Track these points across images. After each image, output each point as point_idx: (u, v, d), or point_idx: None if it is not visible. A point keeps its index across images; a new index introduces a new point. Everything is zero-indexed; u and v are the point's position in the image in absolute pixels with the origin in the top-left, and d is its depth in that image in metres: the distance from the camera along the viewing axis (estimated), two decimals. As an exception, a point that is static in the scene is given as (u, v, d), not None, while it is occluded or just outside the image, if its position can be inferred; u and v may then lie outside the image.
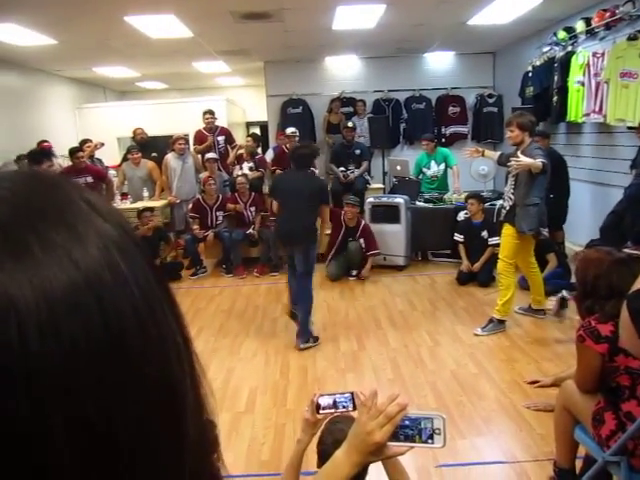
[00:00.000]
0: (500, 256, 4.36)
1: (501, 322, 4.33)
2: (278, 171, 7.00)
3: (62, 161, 7.95)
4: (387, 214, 6.30)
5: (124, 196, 7.41)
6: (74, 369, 0.28)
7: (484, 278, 5.53)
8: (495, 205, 5.82)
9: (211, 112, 7.87)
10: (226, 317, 5.14)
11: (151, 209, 6.46)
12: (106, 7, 5.41)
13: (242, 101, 12.49)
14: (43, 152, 5.20)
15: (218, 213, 6.73)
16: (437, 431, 1.25)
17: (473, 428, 2.99)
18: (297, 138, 7.10)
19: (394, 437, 1.06)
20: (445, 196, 6.60)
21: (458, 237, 5.85)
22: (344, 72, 9.24)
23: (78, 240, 0.31)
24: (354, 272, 6.12)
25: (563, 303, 3.72)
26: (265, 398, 3.50)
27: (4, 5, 5.18)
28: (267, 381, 3.74)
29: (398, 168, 7.21)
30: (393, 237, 6.26)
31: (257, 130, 12.98)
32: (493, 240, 5.35)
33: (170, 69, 9.81)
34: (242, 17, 6.12)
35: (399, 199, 6.27)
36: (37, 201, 0.32)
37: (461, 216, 6.15)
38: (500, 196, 6.44)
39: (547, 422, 2.85)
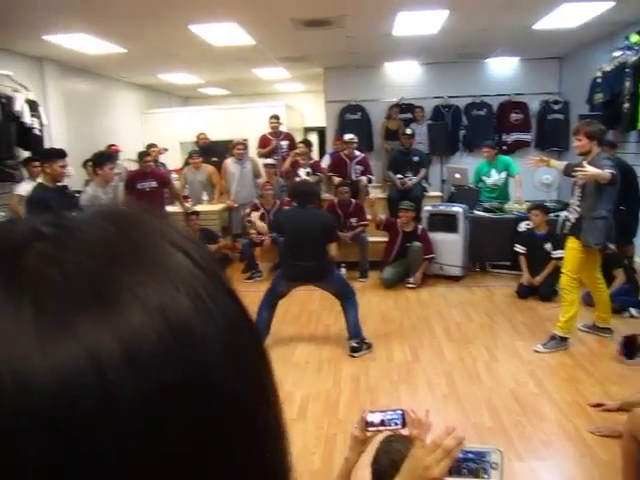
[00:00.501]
0: (564, 270, 4.18)
1: (564, 339, 4.15)
2: (335, 177, 7.00)
3: (128, 164, 8.28)
4: (444, 223, 6.18)
5: (185, 198, 7.62)
6: (158, 416, 0.27)
7: (546, 292, 5.32)
8: (559, 216, 5.59)
9: (277, 117, 8.00)
10: (280, 322, 5.14)
11: (197, 212, 6.63)
12: (172, 17, 5.59)
13: (301, 107, 12.60)
14: (105, 155, 5.41)
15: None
16: (494, 465, 1.20)
17: (532, 451, 2.87)
18: (355, 144, 7.08)
19: (456, 472, 1.02)
20: (506, 206, 6.41)
21: (519, 248, 5.66)
22: (403, 78, 9.17)
23: (167, 287, 0.29)
24: (411, 280, 6.04)
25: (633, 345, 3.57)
26: (317, 406, 3.49)
27: (79, 17, 5.44)
28: (319, 389, 3.73)
29: (457, 176, 7.07)
30: (450, 247, 6.13)
31: (315, 136, 13.10)
32: (557, 253, 5.14)
33: (231, 75, 10.03)
34: (303, 24, 6.18)
35: (457, 208, 6.14)
36: (122, 243, 0.30)
37: (522, 227, 5.95)
38: (565, 207, 6.19)
39: (612, 449, 2.71)
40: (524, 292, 5.46)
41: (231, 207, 7.45)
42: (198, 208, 7.14)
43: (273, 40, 7.07)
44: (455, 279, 6.17)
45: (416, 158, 7.11)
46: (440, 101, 8.94)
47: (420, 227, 6.13)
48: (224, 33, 6.42)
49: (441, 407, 3.39)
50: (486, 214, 6.36)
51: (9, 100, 6.34)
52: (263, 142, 7.97)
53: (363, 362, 4.12)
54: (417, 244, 5.99)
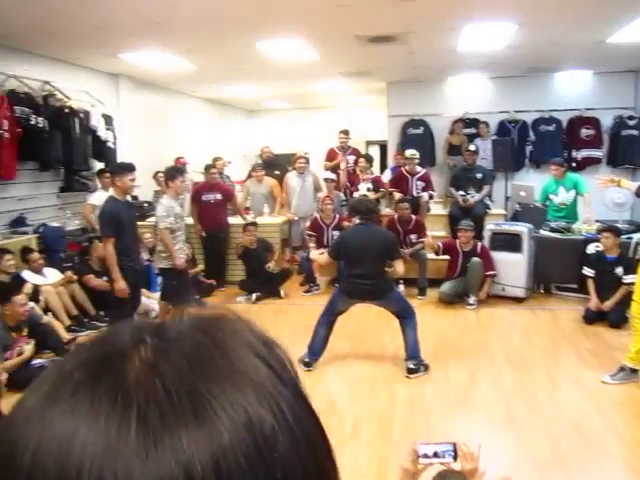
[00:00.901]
0: (634, 298, 3.96)
1: (634, 371, 3.91)
2: (395, 193, 6.96)
3: (194, 176, 8.56)
4: (508, 242, 6.01)
5: (246, 210, 7.80)
6: None
7: (616, 318, 5.05)
8: (632, 239, 5.33)
9: (346, 132, 8.04)
10: (336, 337, 5.13)
11: (255, 224, 6.73)
12: (240, 35, 5.77)
13: (363, 120, 12.62)
14: (176, 169, 5.61)
15: (334, 232, 6.81)
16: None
17: (596, 489, 2.73)
18: (417, 160, 7.02)
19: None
20: (574, 226, 6.15)
21: (588, 271, 5.42)
22: (468, 92, 9.02)
23: (254, 405, 0.32)
24: (471, 300, 5.90)
25: None
26: (370, 426, 3.46)
27: (152, 37, 5.71)
28: (373, 408, 3.69)
29: (522, 194, 6.86)
30: (513, 267, 5.94)
31: (376, 149, 13.08)
32: (628, 278, 4.87)
33: (295, 89, 10.20)
34: (368, 40, 6.21)
35: (522, 227, 5.96)
36: (216, 358, 0.34)
37: (591, 249, 5.68)
38: (638, 228, 5.90)
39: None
40: (591, 317, 5.21)
41: (291, 220, 7.55)
42: (259, 220, 7.27)
43: (337, 55, 7.15)
44: (517, 300, 5.98)
45: (479, 175, 6.96)
46: (506, 116, 8.72)
47: (480, 245, 5.99)
48: (289, 49, 6.55)
49: (498, 435, 3.29)
50: (553, 234, 6.13)
51: (87, 115, 6.72)
52: (330, 155, 8.02)
53: (419, 383, 4.05)
54: (477, 260, 5.86)
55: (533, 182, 7.44)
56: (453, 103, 9.01)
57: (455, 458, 1.67)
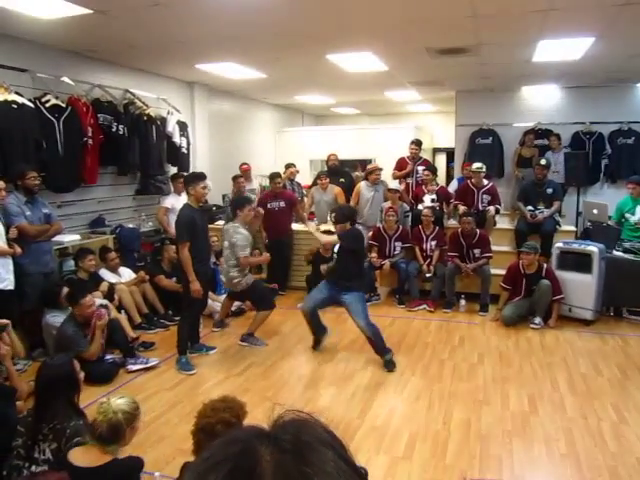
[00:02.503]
0: None
1: None
2: (460, 206, 6.86)
3: (261, 180, 8.78)
4: (577, 262, 5.80)
5: (311, 215, 7.93)
6: None
7: (692, 349, 4.79)
8: None
9: (417, 142, 7.96)
10: (395, 351, 5.15)
11: (330, 231, 6.77)
12: (311, 48, 5.88)
13: (430, 127, 12.51)
14: (244, 198, 5.77)
15: (396, 243, 6.82)
16: None
17: (659, 536, 2.62)
18: (483, 173, 6.89)
19: None
20: (650, 247, 5.86)
21: (662, 297, 5.16)
22: (541, 102, 8.76)
23: None
24: (536, 320, 5.74)
25: None
26: (424, 447, 3.46)
27: (228, 49, 5.93)
28: (428, 428, 3.69)
29: (594, 212, 6.60)
30: (582, 287, 5.74)
31: (443, 157, 12.92)
32: None
33: (363, 97, 10.24)
34: (438, 52, 6.17)
35: (593, 247, 5.73)
36: (314, 472, 0.44)
37: (668, 273, 5.41)
38: None
39: None
40: (665, 347, 4.97)
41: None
42: (323, 228, 7.36)
43: (406, 66, 7.15)
44: (585, 323, 5.76)
45: (549, 190, 6.74)
46: (581, 127, 8.41)
47: (545, 267, 5.80)
48: (359, 61, 6.61)
49: (557, 468, 3.21)
50: (627, 255, 5.87)
51: (163, 121, 7.06)
52: (400, 165, 7.96)
53: (476, 406, 4.00)
54: (546, 282, 5.69)
55: (608, 197, 7.17)
56: (525, 113, 8.77)
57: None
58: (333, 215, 5.23)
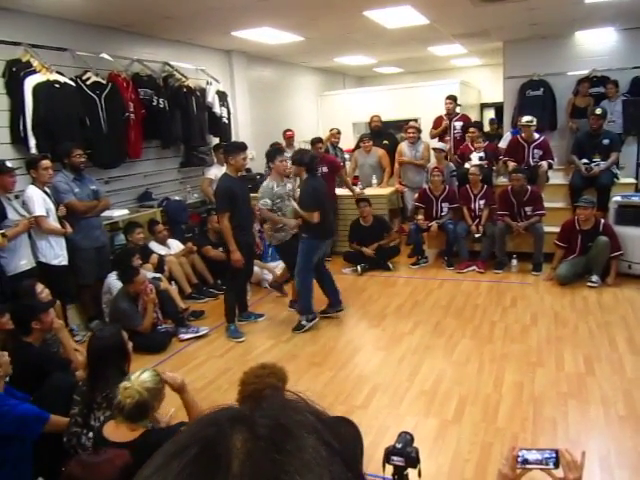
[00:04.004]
0: None
1: None
2: (510, 163, 6.59)
3: (303, 146, 8.69)
4: (637, 216, 5.48)
5: (355, 179, 7.83)
6: None
7: None
8: None
9: (453, 97, 7.76)
10: (443, 314, 5.09)
11: (368, 200, 6.67)
12: (347, 5, 5.68)
13: (477, 82, 12.01)
14: (274, 150, 5.66)
15: (444, 204, 6.64)
16: None
17: None
18: (534, 127, 6.56)
19: None
20: None
21: None
22: (596, 47, 8.19)
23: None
24: (594, 278, 5.49)
25: None
26: (474, 410, 3.40)
27: (262, 14, 5.81)
28: (478, 392, 3.62)
29: (657, 161, 6.19)
30: (643, 243, 5.44)
31: (492, 112, 12.41)
32: None
33: (405, 55, 9.90)
34: (482, 0, 5.84)
35: (654, 199, 5.40)
36: (291, 451, 0.41)
37: None
38: None
39: None
40: None
41: (401, 191, 7.50)
42: (367, 191, 7.26)
43: (448, 18, 6.82)
44: (646, 280, 5.49)
45: (606, 141, 6.35)
46: (640, 72, 7.83)
47: (602, 222, 5.51)
48: (398, 16, 6.35)
49: (615, 430, 3.08)
50: (692, 206, 5.50)
51: (202, 92, 7.05)
52: (437, 123, 7.81)
53: (529, 368, 3.89)
54: (604, 238, 5.41)
55: (671, 147, 6.69)
56: (579, 60, 8.23)
57: (557, 465, 1.60)
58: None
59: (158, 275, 5.33)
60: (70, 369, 3.35)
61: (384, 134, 8.15)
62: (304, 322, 4.89)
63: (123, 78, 5.88)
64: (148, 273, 5.13)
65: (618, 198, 5.73)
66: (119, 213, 5.72)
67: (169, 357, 4.54)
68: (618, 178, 6.36)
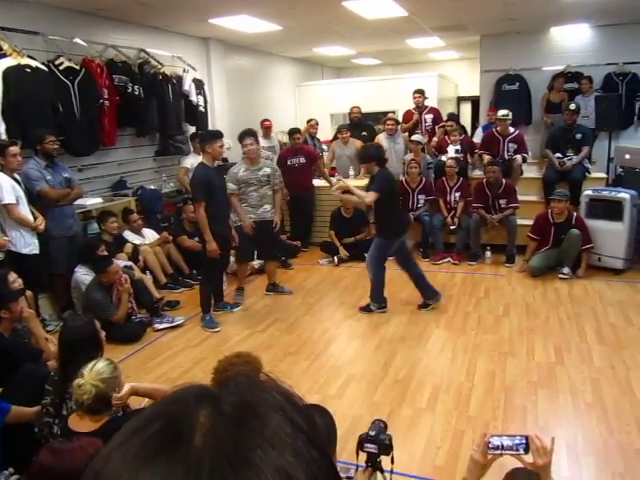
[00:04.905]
0: None
1: None
2: (485, 156, 6.66)
3: (281, 137, 8.66)
4: (607, 210, 5.61)
5: (333, 170, 7.83)
6: None
7: None
8: None
9: (420, 91, 7.79)
10: (417, 304, 5.14)
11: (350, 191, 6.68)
12: (326, -5, 5.65)
13: (455, 75, 12.09)
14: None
15: (420, 196, 6.70)
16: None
17: (686, 484, 2.58)
18: (509, 121, 6.64)
19: None
20: (686, 192, 5.61)
21: (697, 243, 4.97)
22: (571, 43, 8.31)
23: (293, 466, 0.40)
24: (565, 270, 5.60)
25: None
26: (447, 398, 3.46)
27: (239, 1, 5.74)
28: (451, 381, 3.68)
29: (627, 157, 6.33)
30: (612, 236, 5.56)
31: (468, 106, 12.53)
32: None
33: (384, 46, 9.91)
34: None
35: (624, 194, 5.52)
36: (255, 428, 0.41)
37: None
38: None
39: None
40: (699, 294, 4.81)
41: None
42: (346, 183, 7.26)
43: (427, 11, 6.83)
44: (615, 272, 5.61)
45: (579, 135, 6.46)
46: (613, 68, 7.98)
47: (574, 215, 5.63)
48: (377, 6, 6.34)
49: (583, 418, 3.17)
50: (660, 201, 5.64)
51: (179, 80, 6.96)
52: (406, 117, 7.84)
53: (500, 357, 3.97)
54: (575, 231, 5.53)
55: (641, 142, 6.85)
56: (553, 56, 8.34)
57: (527, 451, 1.64)
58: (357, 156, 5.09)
59: (130, 264, 5.26)
60: (41, 359, 3.30)
61: (363, 125, 8.16)
62: (372, 307, 4.98)
63: (97, 64, 5.77)
64: (122, 263, 5.08)
65: (589, 192, 5.85)
66: (92, 202, 5.63)
67: (143, 347, 4.50)
68: (590, 173, 6.49)
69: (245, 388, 0.46)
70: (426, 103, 7.94)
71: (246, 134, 5.12)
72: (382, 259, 4.86)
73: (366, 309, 5.00)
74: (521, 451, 1.63)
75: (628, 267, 5.67)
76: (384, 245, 4.81)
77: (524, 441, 1.63)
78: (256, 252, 5.89)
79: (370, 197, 4.69)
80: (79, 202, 5.24)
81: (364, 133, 7.92)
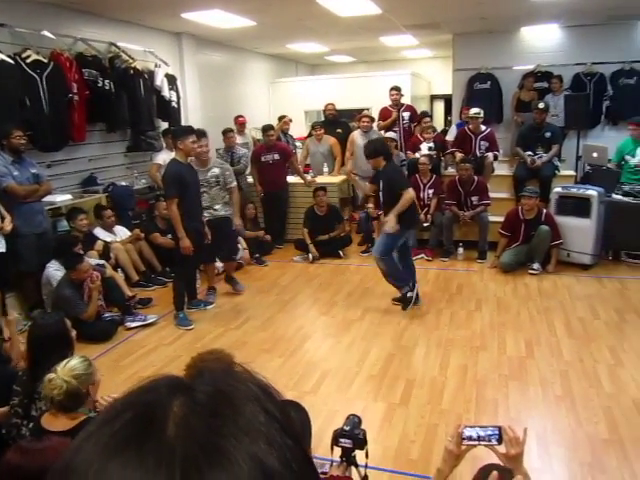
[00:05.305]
0: None
1: None
2: (457, 153, 6.74)
3: (254, 133, 8.62)
4: (576, 207, 5.73)
5: (306, 167, 7.83)
6: None
7: (690, 290, 4.78)
8: None
9: (397, 88, 7.80)
10: (391, 300, 5.17)
11: (324, 189, 6.70)
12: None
13: (428, 73, 12.18)
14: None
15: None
16: None
17: (651, 472, 2.66)
18: (481, 119, 6.72)
19: None
20: (650, 189, 5.77)
21: (662, 239, 5.12)
22: (541, 43, 8.46)
23: (266, 453, 0.40)
24: (535, 265, 5.71)
25: None
26: (421, 392, 3.49)
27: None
28: (425, 375, 3.71)
29: (594, 155, 6.47)
30: (580, 232, 5.68)
31: (441, 104, 12.65)
32: None
33: (358, 44, 9.92)
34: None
35: (592, 191, 5.65)
36: (228, 416, 0.41)
37: (668, 215, 5.36)
38: None
39: None
40: (663, 288, 4.95)
41: (353, 179, 7.53)
42: (318, 180, 7.28)
43: (400, 8, 6.87)
44: (583, 267, 5.74)
45: (548, 134, 6.58)
46: (582, 68, 8.15)
47: (544, 212, 5.74)
48: (351, 4, 6.36)
49: (552, 409, 3.24)
50: (626, 199, 5.78)
51: (151, 75, 6.86)
52: (383, 114, 7.84)
53: (472, 352, 4.03)
54: (545, 227, 5.63)
55: (609, 140, 7.00)
56: (524, 55, 8.48)
57: (500, 442, 1.66)
58: (364, 151, 4.97)
59: (102, 262, 5.18)
60: (11, 362, 3.22)
61: (338, 123, 8.16)
62: (407, 293, 4.82)
63: (66, 57, 5.64)
64: (92, 260, 4.99)
65: (559, 189, 5.96)
66: (62, 198, 5.51)
67: (115, 346, 4.43)
68: (559, 170, 6.62)
69: (219, 378, 0.45)
70: (402, 100, 7.96)
71: (203, 135, 5.05)
72: (391, 250, 4.75)
73: (402, 299, 4.84)
74: (494, 442, 1.66)
75: (595, 262, 5.81)
76: (396, 236, 4.69)
77: (497, 432, 1.66)
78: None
79: (410, 193, 4.68)
80: (48, 199, 5.13)
81: (339, 130, 7.94)
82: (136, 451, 0.37)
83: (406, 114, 7.71)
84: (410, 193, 4.68)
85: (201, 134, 5.02)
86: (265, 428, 0.41)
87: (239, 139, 7.48)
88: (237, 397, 0.43)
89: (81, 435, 0.41)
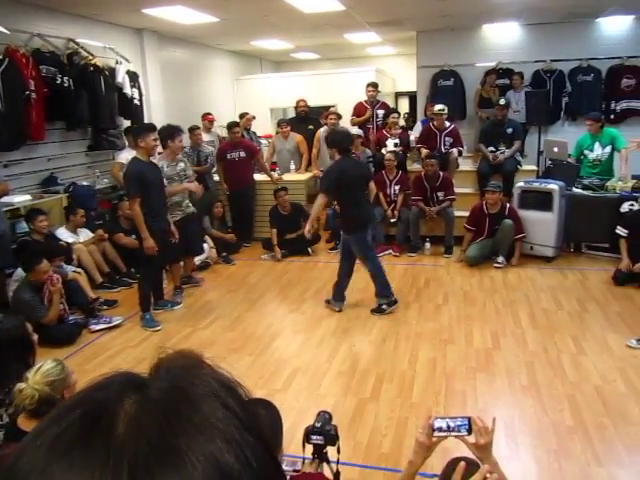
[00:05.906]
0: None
1: (662, 336, 3.85)
2: (423, 149, 6.80)
3: (220, 131, 8.52)
4: (538, 201, 5.85)
5: (273, 165, 7.78)
6: None
7: (647, 280, 4.94)
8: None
9: (374, 85, 7.76)
10: (360, 296, 5.19)
11: (285, 188, 6.67)
12: (263, -13, 5.58)
13: (392, 70, 12.27)
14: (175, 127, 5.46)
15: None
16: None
17: (613, 456, 2.73)
18: (445, 115, 6.80)
19: None
20: (608, 183, 5.93)
21: (621, 231, 5.27)
22: (502, 40, 8.63)
23: (222, 451, 0.38)
24: (499, 259, 5.81)
25: None
26: (391, 387, 3.52)
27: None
28: (394, 369, 3.74)
29: (555, 150, 6.62)
30: (543, 226, 5.81)
31: (406, 101, 12.75)
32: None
33: (322, 40, 9.91)
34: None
35: (553, 185, 5.77)
36: (183, 413, 0.39)
37: (625, 207, 5.52)
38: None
39: None
40: (622, 279, 5.09)
41: (317, 176, 7.50)
42: (285, 177, 7.25)
43: (363, 5, 6.89)
44: (546, 260, 5.87)
45: (510, 130, 6.71)
46: (542, 65, 8.34)
47: (508, 206, 5.85)
48: (314, 0, 6.33)
49: (518, 399, 3.30)
50: (585, 192, 5.94)
51: (112, 72, 6.70)
52: (358, 110, 7.76)
53: (441, 345, 4.08)
54: (508, 221, 5.73)
55: (569, 135, 7.17)
56: (486, 53, 8.64)
57: (470, 432, 1.68)
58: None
59: (79, 270, 5.06)
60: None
61: (310, 119, 8.09)
62: (384, 307, 4.75)
63: (22, 54, 5.46)
64: (69, 267, 4.87)
65: (521, 184, 6.08)
66: (20, 199, 5.33)
67: (79, 349, 4.32)
68: (521, 165, 6.76)
69: (177, 374, 0.43)
70: (378, 97, 7.94)
71: (180, 131, 5.14)
72: (367, 245, 4.73)
73: (378, 310, 4.76)
74: (464, 432, 1.67)
75: (557, 255, 5.95)
76: (360, 238, 4.68)
77: (466, 422, 1.68)
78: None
79: (319, 200, 4.65)
80: (6, 199, 4.96)
81: (310, 127, 7.87)
82: (81, 452, 0.35)
83: (380, 112, 7.67)
84: (319, 200, 4.63)
85: (181, 131, 5.16)
86: (223, 425, 0.39)
87: (206, 137, 7.38)
88: (194, 393, 0.41)
89: (29, 435, 0.38)
